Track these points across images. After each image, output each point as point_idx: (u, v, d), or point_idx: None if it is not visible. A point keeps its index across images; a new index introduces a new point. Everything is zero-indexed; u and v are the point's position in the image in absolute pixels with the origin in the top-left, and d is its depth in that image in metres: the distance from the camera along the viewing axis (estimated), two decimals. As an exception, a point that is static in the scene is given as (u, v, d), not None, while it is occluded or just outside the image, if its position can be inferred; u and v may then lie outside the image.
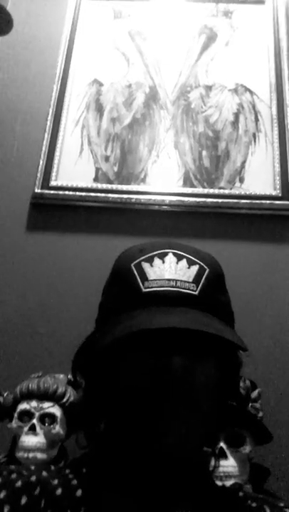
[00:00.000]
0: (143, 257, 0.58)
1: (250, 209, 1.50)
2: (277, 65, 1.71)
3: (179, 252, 0.59)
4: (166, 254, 0.58)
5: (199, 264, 0.58)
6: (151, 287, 0.55)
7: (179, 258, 0.58)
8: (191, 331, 0.50)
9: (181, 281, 0.55)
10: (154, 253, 0.58)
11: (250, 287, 1.40)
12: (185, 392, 0.51)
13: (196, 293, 0.55)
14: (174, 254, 0.58)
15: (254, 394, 1.08)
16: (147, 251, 0.59)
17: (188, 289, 0.55)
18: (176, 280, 0.55)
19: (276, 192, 1.51)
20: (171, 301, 0.54)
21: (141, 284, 0.56)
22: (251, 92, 1.69)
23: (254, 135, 1.62)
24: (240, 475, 0.98)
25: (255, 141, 1.61)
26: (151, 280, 0.55)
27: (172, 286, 0.55)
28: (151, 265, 0.57)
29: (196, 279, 0.56)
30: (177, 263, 0.57)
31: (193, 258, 0.59)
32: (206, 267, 0.58)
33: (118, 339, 0.51)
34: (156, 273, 0.56)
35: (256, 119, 1.65)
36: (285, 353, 1.32)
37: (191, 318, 0.52)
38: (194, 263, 0.58)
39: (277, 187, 1.52)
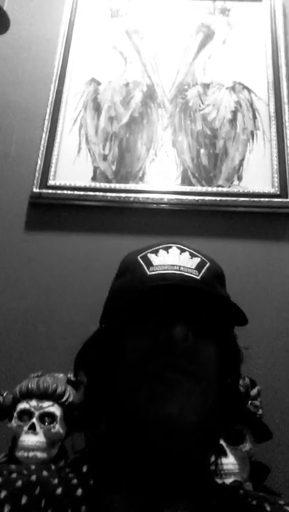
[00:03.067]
0: (149, 250, 0.63)
1: (249, 207, 1.50)
2: (275, 63, 1.71)
3: (182, 247, 0.63)
4: (170, 247, 0.63)
5: (201, 258, 0.62)
6: (156, 271, 0.58)
7: (182, 251, 0.62)
8: (195, 306, 0.55)
9: (184, 267, 0.59)
10: (159, 247, 0.63)
11: (248, 285, 1.40)
12: (187, 361, 0.53)
13: (199, 278, 0.58)
14: (178, 247, 0.63)
15: (253, 392, 1.08)
16: (153, 246, 0.64)
17: (191, 274, 0.58)
18: (180, 266, 0.59)
19: (274, 190, 1.51)
20: (175, 282, 0.57)
21: (146, 269, 0.59)
22: (249, 90, 1.69)
23: (252, 133, 1.62)
24: (240, 472, 0.98)
25: (253, 138, 1.61)
26: (156, 265, 0.59)
27: (176, 270, 0.58)
28: (157, 255, 0.61)
29: (198, 268, 0.60)
30: (181, 254, 0.62)
31: (195, 252, 0.63)
32: (207, 261, 0.62)
33: (128, 300, 0.56)
34: (161, 260, 0.60)
35: (254, 117, 1.65)
36: (285, 351, 1.33)
37: (197, 288, 0.57)
38: (196, 256, 0.62)
39: (276, 184, 1.52)
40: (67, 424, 1.05)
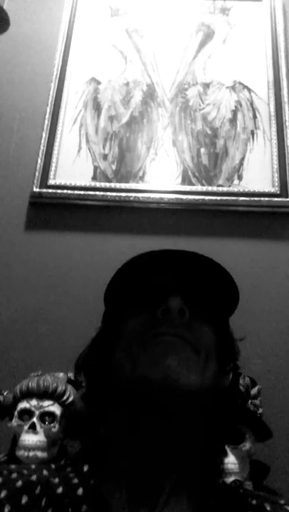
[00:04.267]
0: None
1: (249, 206, 1.50)
2: (275, 62, 1.71)
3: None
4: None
5: None
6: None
7: None
8: (190, 281, 0.58)
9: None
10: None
11: (248, 284, 1.40)
12: (184, 331, 0.55)
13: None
14: None
15: (254, 391, 1.08)
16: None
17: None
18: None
19: (274, 189, 1.51)
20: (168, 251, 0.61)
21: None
22: (249, 90, 1.69)
23: (252, 132, 1.62)
24: (240, 472, 0.98)
25: (253, 138, 1.61)
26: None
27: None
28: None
29: None
30: None
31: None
32: None
33: (130, 262, 0.60)
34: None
35: (254, 117, 1.65)
36: (285, 351, 1.33)
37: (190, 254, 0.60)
38: None
39: (276, 184, 1.52)
40: (63, 432, 1.05)
